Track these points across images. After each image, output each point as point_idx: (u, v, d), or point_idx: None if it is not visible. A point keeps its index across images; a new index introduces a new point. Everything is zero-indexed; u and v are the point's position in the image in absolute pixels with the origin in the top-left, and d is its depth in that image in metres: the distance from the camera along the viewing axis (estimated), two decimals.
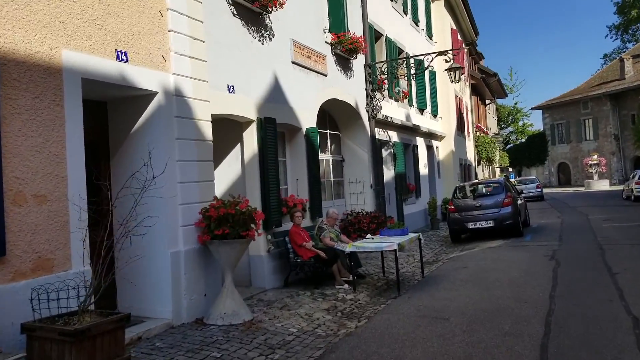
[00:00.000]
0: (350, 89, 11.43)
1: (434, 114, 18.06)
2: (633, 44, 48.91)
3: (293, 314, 6.25)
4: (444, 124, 19.25)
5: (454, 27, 21.60)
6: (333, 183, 11.56)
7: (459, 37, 22.35)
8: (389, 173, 13.68)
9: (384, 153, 13.61)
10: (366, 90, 12.26)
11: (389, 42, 14.07)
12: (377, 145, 12.42)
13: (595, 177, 37.66)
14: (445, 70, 12.09)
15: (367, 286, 8.04)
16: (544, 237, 12.55)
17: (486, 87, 29.69)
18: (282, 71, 8.65)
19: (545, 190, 33.90)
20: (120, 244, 4.38)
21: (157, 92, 5.75)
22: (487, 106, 33.60)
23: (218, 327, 5.64)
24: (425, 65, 11.84)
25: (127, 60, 5.37)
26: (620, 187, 35.93)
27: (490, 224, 12.57)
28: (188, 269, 5.81)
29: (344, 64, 11.22)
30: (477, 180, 15.38)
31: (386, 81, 12.96)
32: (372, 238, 8.31)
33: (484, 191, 13.79)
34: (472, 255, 10.70)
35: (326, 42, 10.47)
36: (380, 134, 13.10)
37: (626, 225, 13.88)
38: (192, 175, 6.02)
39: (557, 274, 7.99)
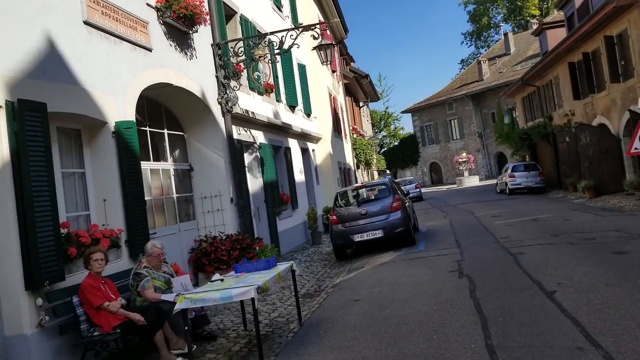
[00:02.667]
0: (193, 73, 8.59)
1: (307, 112, 15.82)
2: (485, 49, 52.19)
3: None
4: (320, 124, 17.15)
5: (323, 20, 19.72)
6: (178, 201, 8.58)
7: (328, 32, 20.53)
8: (255, 182, 11.02)
9: (248, 157, 10.94)
10: (217, 76, 9.50)
11: (245, 22, 11.47)
12: (237, 148, 9.70)
13: (466, 173, 38.72)
14: (314, 48, 9.77)
15: (219, 353, 5.25)
16: (440, 243, 10.76)
17: (360, 88, 28.54)
18: (64, 33, 5.57)
19: (421, 190, 33.77)
20: None
21: None
22: (362, 108, 32.63)
23: None
24: (290, 42, 9.47)
25: None
26: (488, 182, 37.43)
27: (379, 234, 10.49)
28: None
29: (179, 38, 8.35)
30: (360, 184, 13.31)
31: (244, 68, 10.31)
32: (222, 279, 5.53)
33: (369, 195, 11.75)
34: (363, 277, 8.41)
35: (148, 4, 7.53)
36: (241, 134, 10.40)
37: (518, 221, 12.71)
38: None
39: (478, 300, 5.89)
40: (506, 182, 22.37)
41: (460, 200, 22.71)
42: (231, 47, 9.93)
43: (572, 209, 14.02)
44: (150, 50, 7.38)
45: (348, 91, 26.57)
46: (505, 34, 45.06)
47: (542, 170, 21.94)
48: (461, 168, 38.96)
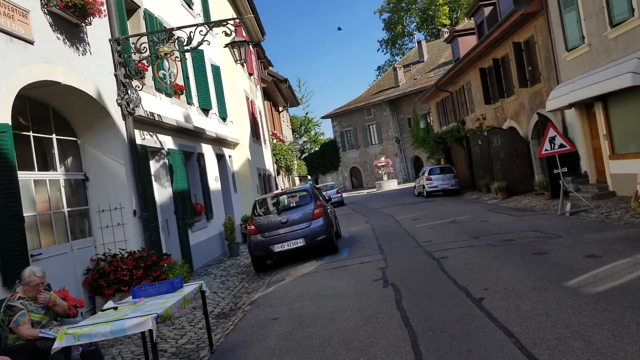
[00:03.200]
0: (86, 70, 7.58)
1: (223, 116, 14.99)
2: (401, 57, 53.78)
3: None
4: (237, 128, 16.36)
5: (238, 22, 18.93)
6: (70, 215, 7.50)
7: (244, 33, 19.80)
8: (164, 192, 10.08)
9: (155, 165, 9.98)
10: (116, 75, 8.51)
11: (150, 18, 10.52)
12: (140, 154, 8.75)
13: (385, 177, 39.45)
14: (227, 45, 9.06)
15: None
16: (363, 249, 10.42)
17: (279, 92, 27.98)
18: None
19: (343, 195, 33.86)
20: None
21: None
22: (281, 113, 32.11)
23: None
24: (199, 39, 8.71)
25: None
26: (406, 185, 38.36)
27: (300, 243, 9.96)
28: None
29: (70, 31, 7.32)
30: (279, 191, 12.73)
31: (148, 65, 9.38)
32: (115, 307, 4.69)
33: (290, 203, 11.19)
34: (283, 291, 7.82)
35: None
36: (146, 139, 9.44)
37: (437, 223, 12.74)
38: None
39: (405, 312, 5.51)
40: (424, 185, 22.81)
41: (380, 204, 22.83)
42: (133, 43, 8.98)
43: (488, 210, 14.35)
44: (31, 43, 6.34)
45: (267, 95, 25.94)
46: (419, 42, 46.65)
47: (456, 173, 22.60)
48: (380, 172, 39.63)
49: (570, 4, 12.55)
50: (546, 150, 11.66)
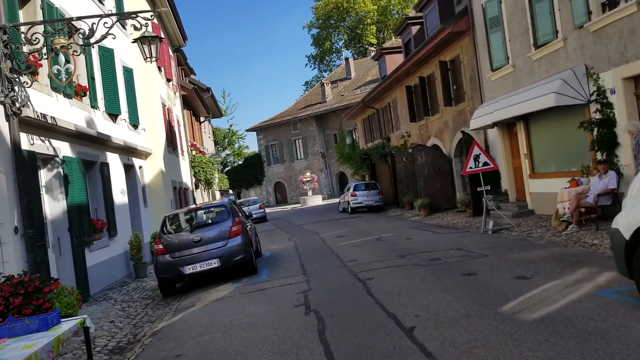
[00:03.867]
0: None
1: (134, 123, 13.71)
2: (328, 73, 54.12)
3: None
4: (150, 137, 15.08)
5: (156, 22, 17.70)
6: None
7: (163, 35, 18.57)
8: (56, 206, 8.75)
9: (46, 174, 8.66)
10: (0, 68, 7.23)
11: (49, 7, 9.24)
12: (26, 162, 7.48)
13: (310, 193, 39.04)
14: (136, 40, 8.05)
15: None
16: (284, 270, 9.67)
17: (200, 102, 26.73)
18: None
19: (266, 210, 33.01)
20: None
21: None
22: (203, 124, 30.76)
23: None
24: (104, 32, 7.65)
25: None
26: (331, 201, 38.16)
27: (215, 263, 9.03)
28: None
29: None
30: (194, 206, 11.70)
31: (41, 60, 8.14)
32: None
33: (205, 219, 10.24)
34: (192, 320, 6.86)
35: None
36: (36, 144, 8.14)
37: (363, 241, 12.30)
38: None
39: (329, 346, 4.81)
40: (348, 201, 22.53)
41: (304, 220, 22.22)
42: (23, 33, 7.74)
43: (412, 227, 14.16)
44: None
45: (187, 104, 24.65)
46: (347, 59, 47.14)
47: (381, 189, 22.55)
48: (305, 187, 39.20)
49: (496, 24, 12.75)
50: (470, 167, 11.61)
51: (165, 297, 8.95)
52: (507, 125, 13.42)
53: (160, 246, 9.01)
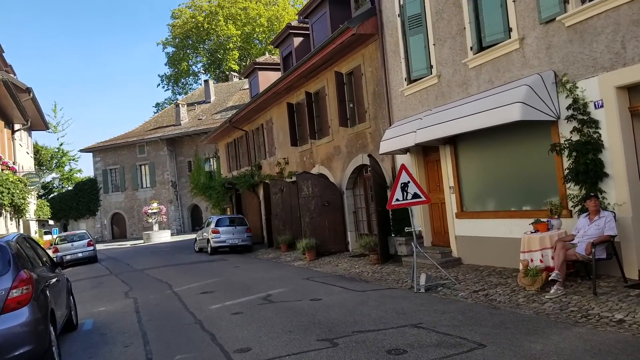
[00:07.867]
0: None
1: None
2: (183, 96, 49.05)
3: None
4: None
5: None
6: None
7: None
8: None
9: None
10: None
11: None
12: None
13: (156, 227, 33.27)
14: None
15: None
16: None
17: (14, 103, 20.38)
18: None
19: (99, 247, 26.78)
20: None
21: None
22: (17, 133, 23.88)
23: None
24: None
25: None
26: (181, 238, 32.91)
27: None
28: None
29: None
30: None
31: None
32: None
33: None
34: None
35: None
36: None
37: (244, 302, 8.35)
38: None
39: None
40: (208, 239, 18.23)
41: (150, 263, 17.22)
42: None
43: (304, 278, 10.60)
44: None
45: None
46: (206, 81, 43.00)
47: (249, 226, 18.71)
48: (150, 220, 33.36)
49: (417, 24, 10.19)
50: (397, 200, 8.55)
51: None
52: (424, 151, 10.83)
53: None
